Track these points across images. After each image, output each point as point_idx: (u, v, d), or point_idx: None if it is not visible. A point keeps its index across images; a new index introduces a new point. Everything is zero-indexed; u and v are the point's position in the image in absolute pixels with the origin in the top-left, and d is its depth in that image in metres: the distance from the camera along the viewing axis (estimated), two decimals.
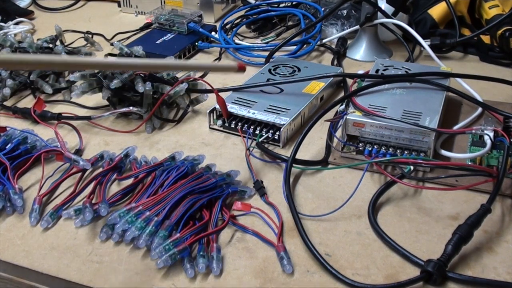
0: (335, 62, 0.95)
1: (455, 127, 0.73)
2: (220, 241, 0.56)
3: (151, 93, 0.75)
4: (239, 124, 0.73)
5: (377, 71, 0.80)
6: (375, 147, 0.66)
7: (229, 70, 0.59)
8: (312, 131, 0.70)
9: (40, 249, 0.56)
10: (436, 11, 1.00)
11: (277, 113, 0.73)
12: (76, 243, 0.57)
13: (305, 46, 0.99)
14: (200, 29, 1.03)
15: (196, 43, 1.01)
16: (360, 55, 0.97)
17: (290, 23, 1.07)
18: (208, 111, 0.75)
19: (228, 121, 0.74)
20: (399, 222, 0.58)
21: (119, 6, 1.24)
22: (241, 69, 0.56)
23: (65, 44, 1.01)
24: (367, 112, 0.67)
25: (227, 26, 1.07)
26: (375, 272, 0.52)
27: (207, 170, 0.64)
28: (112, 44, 1.04)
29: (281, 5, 1.09)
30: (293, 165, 0.65)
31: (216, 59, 0.97)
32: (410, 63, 0.89)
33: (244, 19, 1.09)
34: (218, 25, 1.06)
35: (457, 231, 0.53)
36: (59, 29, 1.00)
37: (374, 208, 0.60)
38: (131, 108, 0.76)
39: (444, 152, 0.67)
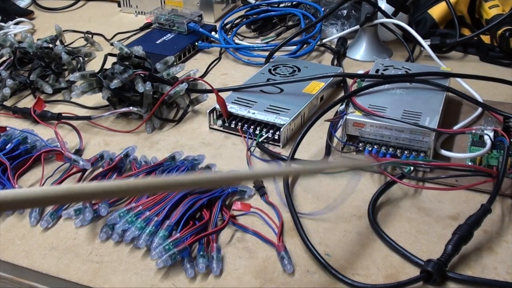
0: (335, 62, 0.95)
1: (455, 127, 0.73)
2: (220, 241, 0.56)
3: (151, 93, 0.75)
4: (239, 124, 0.73)
5: (377, 71, 0.80)
6: (375, 147, 0.66)
7: (362, 166, 0.64)
8: (312, 131, 0.70)
9: (40, 249, 0.56)
10: (436, 11, 1.00)
11: (277, 113, 0.73)
12: (76, 243, 0.57)
13: (305, 46, 0.99)
14: (200, 29, 1.03)
15: (196, 43, 1.01)
16: (360, 55, 0.97)
17: (290, 23, 1.07)
18: (208, 111, 0.75)
19: (228, 121, 0.74)
20: (399, 222, 0.58)
21: (119, 6, 1.24)
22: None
23: (65, 44, 1.01)
24: (367, 112, 0.67)
25: (227, 26, 1.07)
26: (375, 272, 0.52)
27: (207, 170, 0.64)
28: (112, 44, 1.04)
29: (281, 5, 1.09)
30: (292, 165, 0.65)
31: (216, 59, 0.97)
32: (410, 63, 0.89)
33: (244, 19, 1.08)
34: (218, 25, 1.06)
35: (457, 231, 0.53)
36: (59, 29, 1.00)
37: (374, 208, 0.60)
38: (131, 108, 0.76)
39: (444, 152, 0.67)
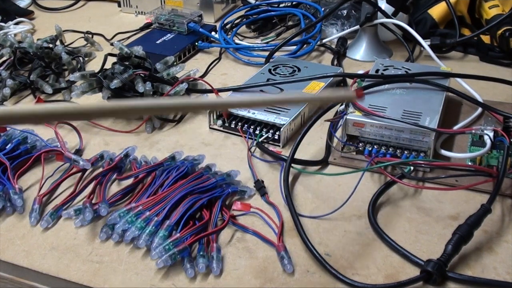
0: (335, 62, 0.95)
1: (455, 127, 0.73)
2: (220, 241, 0.56)
3: (151, 93, 0.75)
4: (239, 124, 0.73)
5: (377, 71, 0.80)
6: (375, 147, 0.66)
7: (346, 99, 0.58)
8: (312, 131, 0.70)
9: (40, 249, 0.56)
10: (436, 11, 1.01)
11: (277, 113, 0.73)
12: (76, 243, 0.57)
13: (305, 46, 0.99)
14: (200, 29, 1.03)
15: (196, 43, 1.01)
16: (360, 55, 0.97)
17: (290, 23, 1.07)
18: (208, 111, 0.75)
19: (228, 121, 0.74)
20: (399, 222, 0.58)
21: (119, 6, 1.24)
22: (360, 97, 0.55)
23: (65, 44, 1.01)
24: (367, 112, 0.67)
25: (227, 26, 1.07)
26: (375, 272, 0.52)
27: (207, 170, 0.64)
28: (112, 44, 1.04)
29: (281, 5, 1.09)
30: (292, 165, 0.65)
31: (216, 59, 0.97)
32: (410, 63, 0.89)
33: (244, 19, 1.09)
34: (218, 25, 1.06)
35: (457, 231, 0.53)
36: (59, 29, 1.00)
37: (374, 208, 0.60)
38: None
39: (444, 152, 0.67)
